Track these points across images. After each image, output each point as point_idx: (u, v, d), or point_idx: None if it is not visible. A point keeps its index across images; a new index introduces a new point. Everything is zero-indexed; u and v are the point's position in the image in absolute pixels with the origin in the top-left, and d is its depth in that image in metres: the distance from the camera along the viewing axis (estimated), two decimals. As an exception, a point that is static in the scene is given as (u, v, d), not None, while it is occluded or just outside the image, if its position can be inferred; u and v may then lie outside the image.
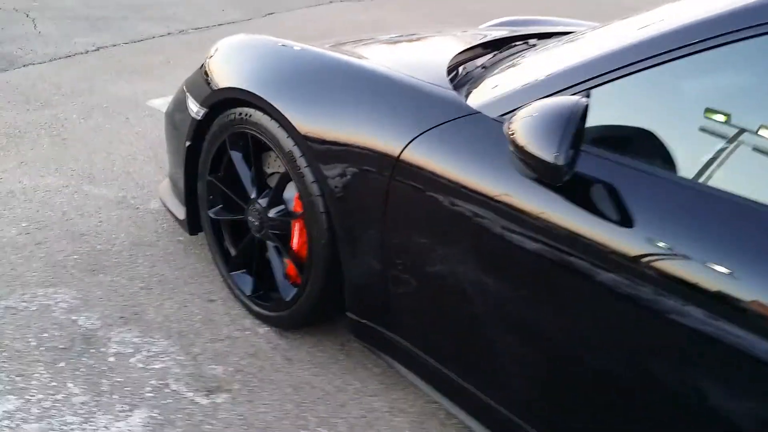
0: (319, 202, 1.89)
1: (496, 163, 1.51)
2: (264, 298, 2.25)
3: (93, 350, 2.09)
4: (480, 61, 2.03)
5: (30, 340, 2.11)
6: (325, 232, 1.91)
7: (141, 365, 2.05)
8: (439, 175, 1.59)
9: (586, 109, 1.32)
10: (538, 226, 1.41)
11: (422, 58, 2.16)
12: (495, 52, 2.12)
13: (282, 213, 2.11)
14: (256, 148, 2.21)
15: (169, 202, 2.63)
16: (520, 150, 1.37)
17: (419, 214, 1.66)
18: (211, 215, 2.35)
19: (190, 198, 2.43)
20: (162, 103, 4.12)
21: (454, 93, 1.71)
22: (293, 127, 1.89)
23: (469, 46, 2.17)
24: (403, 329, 1.84)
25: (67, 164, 3.29)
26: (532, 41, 2.25)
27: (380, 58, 2.07)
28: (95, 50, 5.14)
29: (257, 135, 2.05)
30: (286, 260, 2.17)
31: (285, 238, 2.14)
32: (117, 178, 3.18)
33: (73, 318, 2.22)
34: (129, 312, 2.27)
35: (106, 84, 4.45)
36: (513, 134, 1.39)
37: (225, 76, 2.14)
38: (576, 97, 1.35)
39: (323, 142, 1.83)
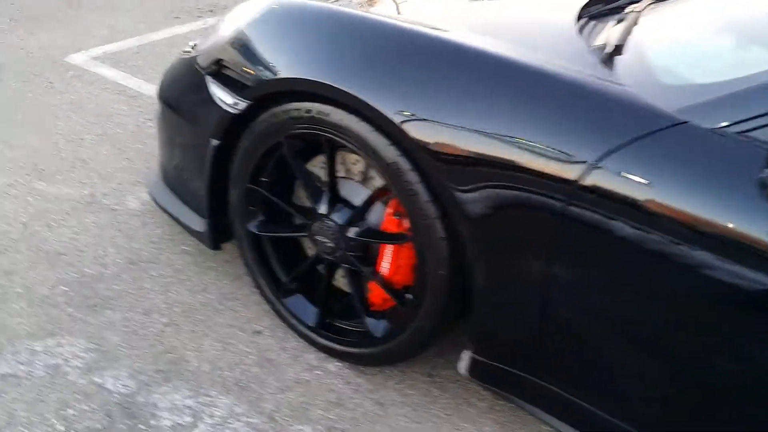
0: (438, 226, 1.52)
1: (726, 193, 1.21)
2: (332, 330, 1.86)
3: (142, 426, 1.63)
4: (621, 33, 1.63)
5: (53, 421, 1.61)
6: (445, 262, 1.54)
7: (208, 437, 1.63)
8: (641, 206, 1.26)
9: None
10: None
11: (541, 30, 1.75)
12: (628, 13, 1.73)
13: (365, 233, 1.71)
14: (312, 149, 1.77)
15: (170, 206, 2.12)
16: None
17: (609, 251, 1.33)
18: (253, 230, 1.89)
19: (214, 207, 1.94)
20: (85, 60, 3.43)
21: (631, 90, 1.36)
22: (402, 132, 1.47)
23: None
24: (555, 375, 1.54)
25: (-1, 153, 2.61)
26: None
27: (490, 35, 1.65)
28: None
29: (337, 139, 1.61)
30: (369, 287, 1.79)
31: (367, 260, 1.75)
32: (72, 169, 2.56)
33: (97, 380, 1.73)
34: (164, 362, 1.81)
35: (4, 36, 3.62)
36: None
37: (281, 59, 1.65)
38: None
39: (452, 154, 1.43)
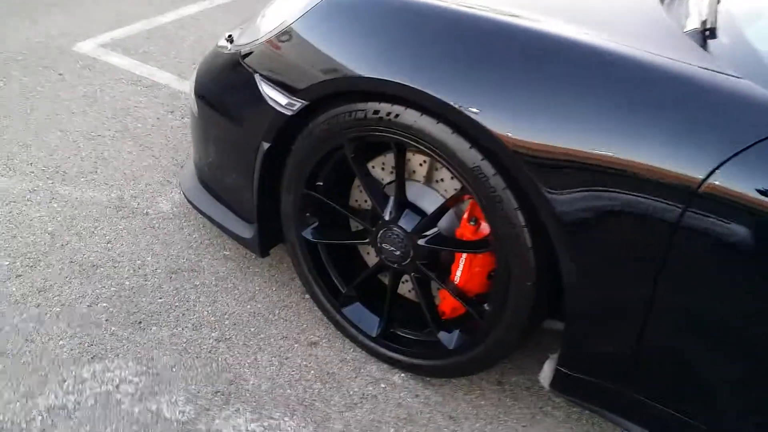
0: (526, 235, 1.40)
1: None
2: (397, 340, 1.75)
3: (208, 457, 1.52)
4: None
5: (113, 457, 1.50)
6: (532, 272, 1.42)
7: (277, 464, 1.53)
8: (771, 213, 1.14)
9: None
10: None
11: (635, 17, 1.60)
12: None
13: (439, 241, 1.58)
14: (370, 150, 1.64)
15: (210, 210, 1.99)
16: None
17: (729, 262, 1.21)
18: (309, 237, 1.76)
19: (262, 212, 1.81)
20: (94, 48, 3.25)
21: (749, 83, 1.23)
22: (489, 134, 1.34)
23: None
24: (650, 387, 1.43)
25: (16, 156, 2.45)
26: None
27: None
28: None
29: (408, 141, 1.48)
30: (440, 296, 1.67)
31: (436, 268, 1.63)
32: (95, 170, 2.41)
33: (153, 408, 1.61)
34: (222, 382, 1.69)
35: (4, 26, 3.43)
36: None
37: (345, 57, 1.49)
38: None
39: (551, 157, 1.30)
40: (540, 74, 1.33)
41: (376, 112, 1.48)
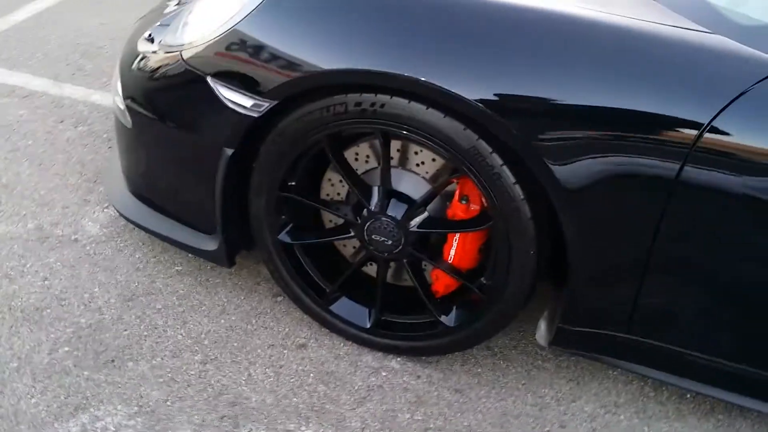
0: (526, 207, 1.43)
1: None
2: (392, 327, 1.74)
3: (239, 486, 1.45)
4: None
5: None
6: (533, 241, 1.47)
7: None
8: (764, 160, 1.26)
9: None
10: None
11: None
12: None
13: (433, 223, 1.59)
14: (340, 142, 1.60)
15: (158, 226, 1.85)
16: None
17: (726, 211, 1.32)
18: (287, 240, 1.69)
19: (227, 222, 1.71)
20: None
21: (723, 38, 1.31)
22: (487, 114, 1.34)
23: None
24: (646, 328, 1.55)
25: None
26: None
27: None
28: None
29: (394, 131, 1.45)
30: (433, 277, 1.68)
31: (429, 250, 1.64)
32: (-5, 199, 2.15)
33: (161, 448, 1.50)
34: (224, 405, 1.60)
35: None
36: None
37: (320, 48, 1.42)
38: None
39: (550, 128, 1.33)
40: (532, 49, 1.35)
41: (357, 104, 1.44)
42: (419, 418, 1.64)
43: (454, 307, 1.66)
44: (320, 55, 1.43)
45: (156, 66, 1.68)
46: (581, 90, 1.31)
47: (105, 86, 2.78)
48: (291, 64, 1.45)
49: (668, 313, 1.51)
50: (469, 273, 1.65)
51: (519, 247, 1.48)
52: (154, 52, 1.73)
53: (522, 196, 1.42)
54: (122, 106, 1.77)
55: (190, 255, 1.95)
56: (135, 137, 1.78)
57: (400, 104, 1.41)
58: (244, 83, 1.51)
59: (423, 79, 1.34)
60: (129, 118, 1.75)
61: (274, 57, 1.47)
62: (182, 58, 1.60)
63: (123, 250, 2.01)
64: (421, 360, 1.77)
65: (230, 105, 1.53)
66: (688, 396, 1.73)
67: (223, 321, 1.82)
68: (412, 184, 1.61)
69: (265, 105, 1.50)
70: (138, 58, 1.76)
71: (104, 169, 2.26)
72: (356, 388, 1.69)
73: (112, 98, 1.89)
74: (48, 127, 2.51)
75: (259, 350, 1.75)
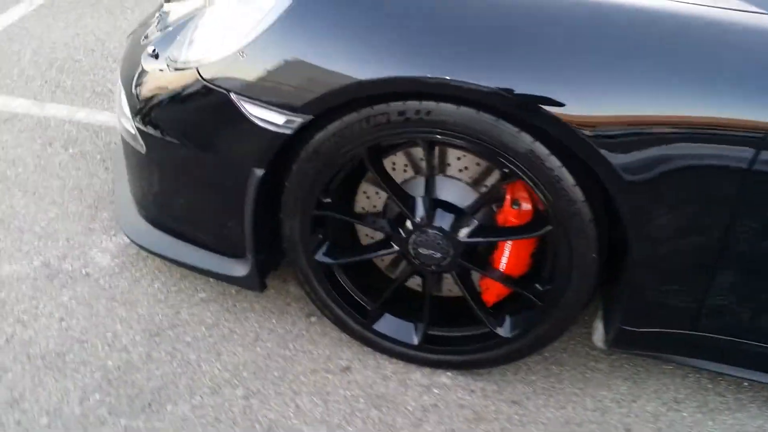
0: (587, 209, 1.35)
1: None
2: (442, 342, 1.65)
3: None
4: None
5: None
6: (594, 244, 1.39)
7: None
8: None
9: None
10: None
11: None
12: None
13: (486, 232, 1.50)
14: (378, 154, 1.50)
15: (179, 254, 1.73)
16: None
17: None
18: (326, 260, 1.59)
19: (259, 245, 1.60)
20: None
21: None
22: (545, 115, 1.25)
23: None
24: (715, 324, 1.48)
25: None
26: None
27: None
28: None
29: (440, 138, 1.35)
30: (482, 287, 1.59)
31: (479, 259, 1.55)
32: (-6, 237, 2.00)
33: (218, 498, 1.40)
34: (276, 443, 1.51)
35: None
36: None
37: (352, 57, 1.32)
38: None
39: (615, 123, 1.25)
40: (590, 42, 1.26)
41: (401, 113, 1.34)
42: (481, 436, 1.56)
43: (507, 317, 1.58)
44: (359, 63, 1.32)
45: (169, 85, 1.55)
46: (651, 80, 1.23)
47: (89, 103, 2.63)
48: (328, 74, 1.34)
49: (738, 308, 1.45)
50: (520, 279, 1.57)
51: (580, 250, 1.40)
52: (161, 70, 1.60)
53: (583, 198, 1.34)
54: (132, 130, 1.64)
55: (211, 280, 1.84)
56: (150, 162, 1.65)
57: (448, 110, 1.31)
58: (274, 98, 1.39)
59: (476, 83, 1.25)
60: (142, 142, 1.62)
61: (308, 68, 1.35)
62: (199, 75, 1.48)
63: (140, 280, 1.88)
64: (471, 372, 1.69)
65: (258, 122, 1.42)
66: (746, 384, 1.69)
67: (258, 349, 1.72)
68: (455, 191, 1.52)
69: (299, 120, 1.39)
70: (145, 77, 1.63)
71: (110, 195, 2.12)
72: (410, 409, 1.60)
73: (117, 120, 1.76)
74: (36, 151, 2.36)
75: (302, 377, 1.65)
